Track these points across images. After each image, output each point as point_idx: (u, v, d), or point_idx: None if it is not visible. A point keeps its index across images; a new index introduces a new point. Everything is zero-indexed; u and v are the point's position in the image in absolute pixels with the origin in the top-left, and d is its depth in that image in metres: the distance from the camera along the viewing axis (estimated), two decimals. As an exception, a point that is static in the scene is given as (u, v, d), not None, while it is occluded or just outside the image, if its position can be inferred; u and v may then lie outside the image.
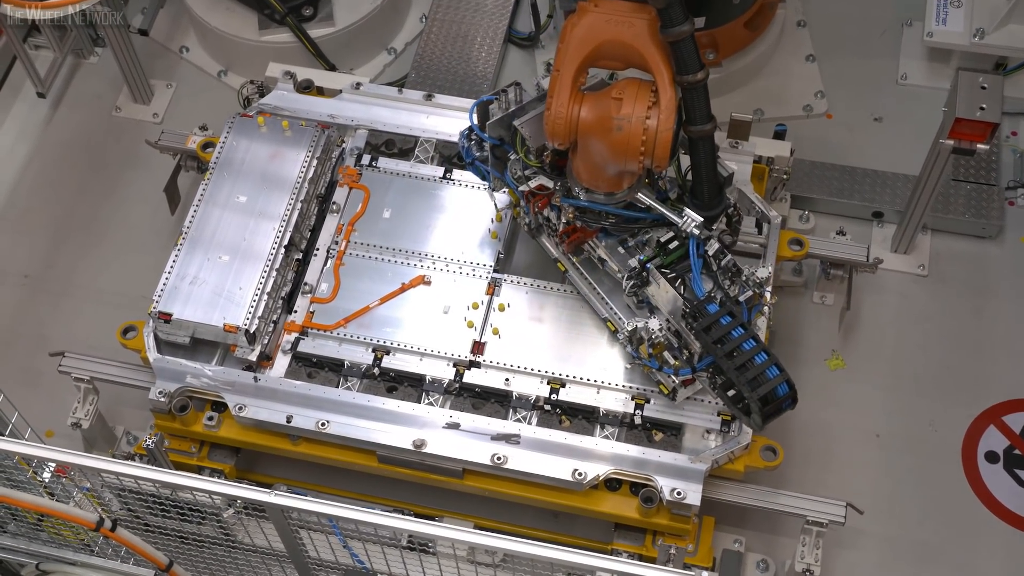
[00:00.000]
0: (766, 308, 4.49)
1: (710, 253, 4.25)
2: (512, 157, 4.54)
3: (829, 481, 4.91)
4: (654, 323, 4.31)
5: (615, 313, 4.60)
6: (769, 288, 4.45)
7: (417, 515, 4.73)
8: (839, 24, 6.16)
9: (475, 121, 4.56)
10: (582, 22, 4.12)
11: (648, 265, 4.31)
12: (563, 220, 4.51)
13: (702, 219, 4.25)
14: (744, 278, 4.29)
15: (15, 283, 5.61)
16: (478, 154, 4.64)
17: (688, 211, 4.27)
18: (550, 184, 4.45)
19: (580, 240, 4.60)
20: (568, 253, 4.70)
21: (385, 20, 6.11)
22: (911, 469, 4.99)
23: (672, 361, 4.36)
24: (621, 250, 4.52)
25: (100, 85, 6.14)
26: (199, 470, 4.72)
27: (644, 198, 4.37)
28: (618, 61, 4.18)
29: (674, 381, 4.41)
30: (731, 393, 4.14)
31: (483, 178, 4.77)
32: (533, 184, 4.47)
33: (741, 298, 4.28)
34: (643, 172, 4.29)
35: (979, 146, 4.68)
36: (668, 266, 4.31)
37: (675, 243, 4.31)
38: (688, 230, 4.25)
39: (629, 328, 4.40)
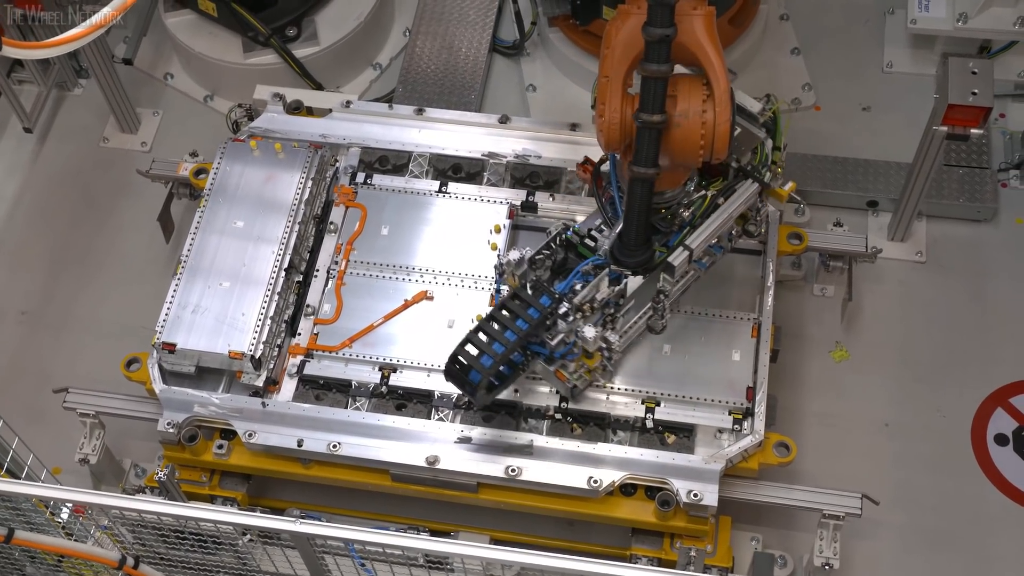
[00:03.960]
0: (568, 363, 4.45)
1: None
2: None
3: (841, 473, 4.91)
4: (515, 255, 4.35)
5: None
6: (592, 349, 4.37)
7: (432, 531, 4.73)
8: (821, 16, 6.18)
9: None
10: (627, 25, 4.07)
11: (568, 235, 4.49)
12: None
13: (609, 250, 4.34)
14: (574, 320, 4.28)
15: (13, 320, 5.58)
16: None
17: (615, 235, 4.36)
18: None
19: (584, 177, 4.71)
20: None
21: (369, 36, 6.10)
22: (922, 456, 5.00)
23: None
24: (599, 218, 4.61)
25: (86, 116, 6.11)
26: (211, 499, 4.70)
27: (615, 197, 4.42)
28: None
29: None
30: None
31: None
32: None
33: (561, 318, 4.28)
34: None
35: (973, 131, 4.70)
36: (578, 252, 4.47)
37: (593, 243, 4.46)
38: (600, 247, 4.37)
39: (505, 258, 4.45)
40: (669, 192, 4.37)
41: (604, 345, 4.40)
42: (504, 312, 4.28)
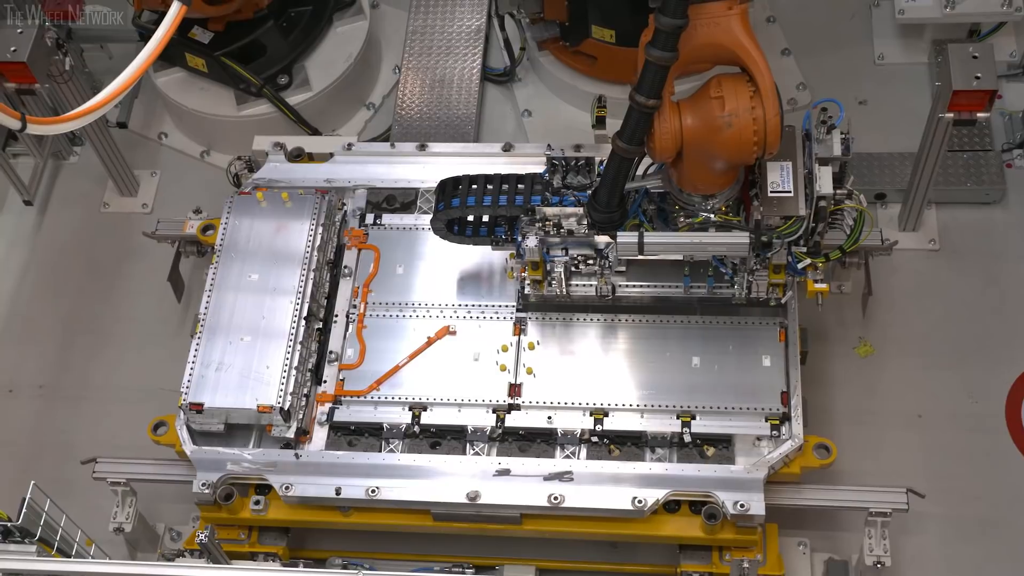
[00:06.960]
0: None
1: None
2: None
3: (879, 469, 4.90)
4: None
5: None
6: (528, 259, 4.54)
7: (476, 567, 4.69)
8: (808, 15, 6.18)
9: None
10: None
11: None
12: None
13: (584, 205, 4.45)
14: (537, 228, 4.48)
15: (31, 395, 5.52)
16: None
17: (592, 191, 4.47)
18: None
19: None
20: None
21: (359, 76, 6.08)
22: (959, 444, 4.98)
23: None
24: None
25: (85, 184, 6.07)
26: (252, 556, 4.65)
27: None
28: (707, 62, 4.20)
29: None
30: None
31: None
32: None
33: (528, 221, 4.50)
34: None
35: (979, 115, 4.70)
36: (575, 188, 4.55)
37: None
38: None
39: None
40: (697, 196, 4.36)
41: (549, 268, 4.57)
42: (505, 184, 4.54)
